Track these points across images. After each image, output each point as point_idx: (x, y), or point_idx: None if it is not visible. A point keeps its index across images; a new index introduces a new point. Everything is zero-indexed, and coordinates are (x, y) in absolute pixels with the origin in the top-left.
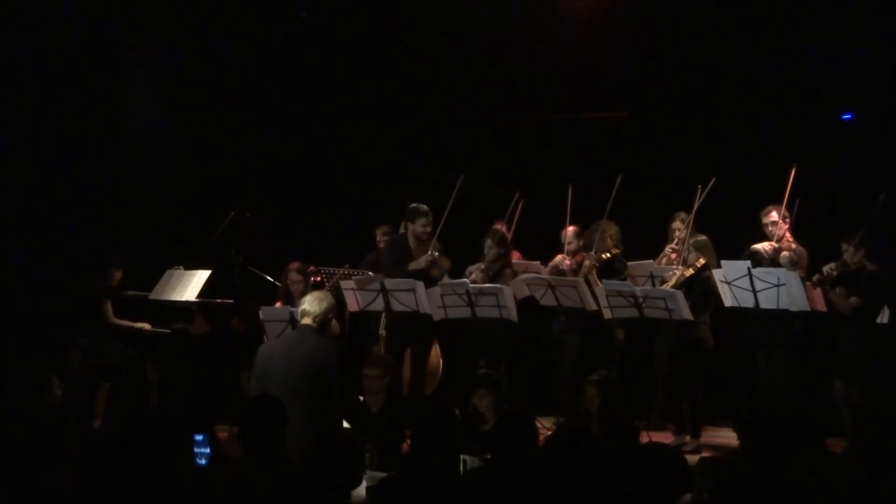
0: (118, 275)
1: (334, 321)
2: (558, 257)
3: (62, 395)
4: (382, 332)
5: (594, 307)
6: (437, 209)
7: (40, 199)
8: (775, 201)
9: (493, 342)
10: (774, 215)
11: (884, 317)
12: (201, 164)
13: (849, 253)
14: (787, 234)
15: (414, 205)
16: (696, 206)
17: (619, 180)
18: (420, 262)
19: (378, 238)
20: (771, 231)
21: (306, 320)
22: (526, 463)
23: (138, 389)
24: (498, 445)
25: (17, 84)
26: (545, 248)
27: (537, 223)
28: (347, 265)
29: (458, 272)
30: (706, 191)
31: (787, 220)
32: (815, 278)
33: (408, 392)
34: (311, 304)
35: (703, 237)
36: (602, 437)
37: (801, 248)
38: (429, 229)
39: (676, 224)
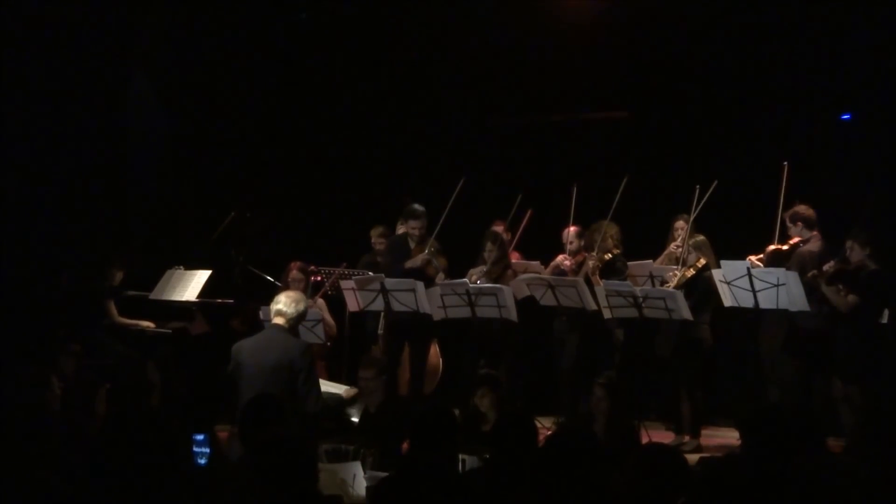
0: (119, 275)
1: (330, 320)
2: (559, 257)
3: (61, 395)
4: (381, 332)
5: (594, 307)
6: (437, 210)
7: (40, 199)
8: (773, 202)
9: (493, 342)
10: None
11: (883, 317)
12: (201, 163)
13: (855, 251)
14: (794, 239)
15: (411, 206)
16: (696, 209)
17: (624, 182)
18: (416, 261)
19: (374, 239)
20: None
21: (279, 320)
22: (526, 463)
23: (138, 390)
24: (498, 445)
25: (17, 83)
26: (545, 248)
27: (537, 223)
28: (345, 264)
29: (458, 272)
30: (707, 194)
31: (798, 223)
32: (809, 275)
33: (407, 392)
34: (286, 306)
35: (702, 237)
36: (606, 437)
37: (804, 249)
38: (416, 232)
39: (680, 223)
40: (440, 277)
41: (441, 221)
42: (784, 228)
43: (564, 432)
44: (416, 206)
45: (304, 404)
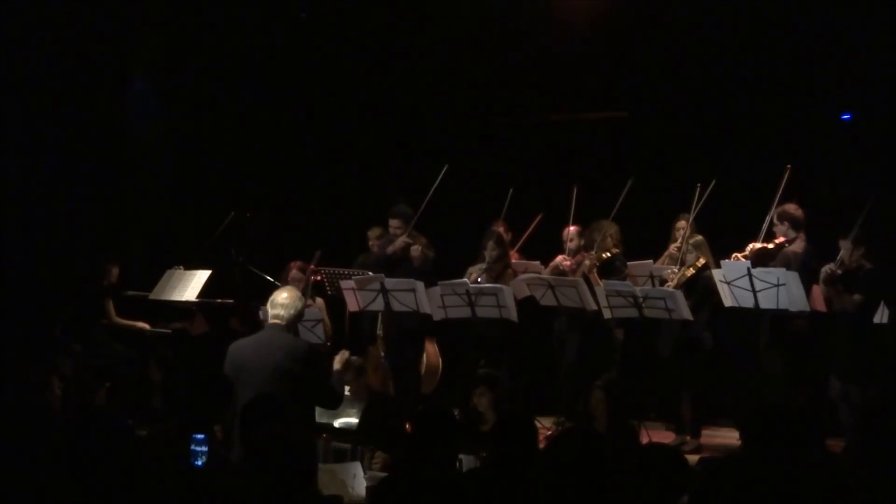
0: (115, 271)
1: (327, 321)
2: (559, 258)
3: (61, 395)
4: (379, 332)
5: (594, 307)
6: (437, 209)
7: (41, 200)
8: (773, 201)
9: (493, 342)
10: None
11: (883, 316)
12: (201, 164)
13: (846, 251)
14: (779, 238)
15: (394, 206)
16: (696, 208)
17: (629, 184)
18: (396, 245)
19: (371, 241)
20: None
21: (277, 320)
22: (526, 463)
23: (139, 390)
24: (497, 445)
25: (18, 85)
26: (545, 248)
27: (537, 223)
28: (318, 253)
29: (458, 272)
30: (707, 192)
31: (785, 222)
32: (823, 278)
33: (405, 392)
34: (285, 308)
35: (700, 237)
36: (606, 438)
37: (788, 249)
38: (398, 232)
39: (681, 223)
40: (417, 250)
41: (422, 207)
42: (771, 227)
43: (570, 433)
44: (397, 206)
45: (327, 399)
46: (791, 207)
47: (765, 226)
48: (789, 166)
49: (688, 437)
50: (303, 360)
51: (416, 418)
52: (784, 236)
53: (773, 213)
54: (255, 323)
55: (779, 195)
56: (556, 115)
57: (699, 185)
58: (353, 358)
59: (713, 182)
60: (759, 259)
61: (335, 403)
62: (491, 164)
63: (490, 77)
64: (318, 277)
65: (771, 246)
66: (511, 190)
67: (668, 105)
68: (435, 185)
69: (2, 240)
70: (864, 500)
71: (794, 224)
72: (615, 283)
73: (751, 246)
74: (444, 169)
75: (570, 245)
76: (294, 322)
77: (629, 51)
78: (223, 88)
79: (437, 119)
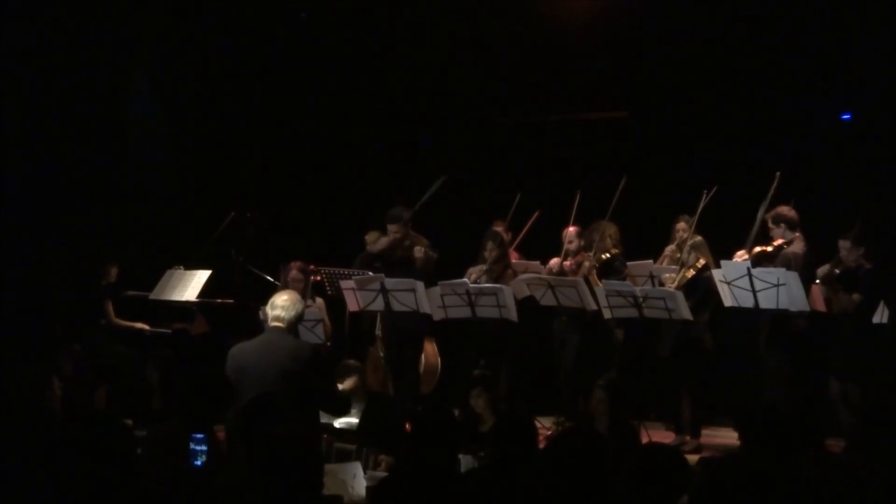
0: (114, 270)
1: (327, 321)
2: (553, 261)
3: (61, 395)
4: (378, 332)
5: (594, 307)
6: (436, 210)
7: (41, 200)
8: (774, 202)
9: (493, 342)
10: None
11: (882, 316)
12: (201, 164)
13: (846, 251)
14: (778, 240)
15: (391, 210)
16: (700, 212)
17: (622, 183)
18: (381, 243)
19: (369, 247)
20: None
21: (278, 323)
22: (526, 463)
23: (138, 390)
24: (497, 445)
25: (17, 83)
26: (545, 248)
27: (537, 223)
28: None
29: (458, 272)
30: (709, 197)
31: (781, 224)
32: (820, 277)
33: (404, 392)
34: (285, 310)
35: (699, 238)
36: (607, 439)
37: (788, 250)
38: (398, 235)
39: (681, 225)
40: (420, 251)
41: (414, 210)
42: (764, 231)
43: (570, 433)
44: (394, 211)
45: (334, 403)
46: (784, 209)
47: (752, 234)
48: (778, 173)
49: (688, 437)
50: (306, 362)
51: (415, 418)
52: (782, 238)
53: (759, 219)
54: (254, 328)
55: (767, 201)
56: (556, 115)
57: (705, 191)
58: (350, 361)
59: (715, 188)
60: (760, 262)
61: (342, 408)
62: (491, 164)
63: (490, 77)
64: (318, 277)
65: (770, 248)
66: (519, 195)
67: (668, 105)
68: (430, 193)
69: (2, 240)
70: (863, 500)
71: (790, 225)
72: (615, 283)
73: (744, 252)
74: (442, 180)
75: (570, 246)
76: (295, 324)
77: (629, 51)
78: (223, 88)
79: (437, 119)
